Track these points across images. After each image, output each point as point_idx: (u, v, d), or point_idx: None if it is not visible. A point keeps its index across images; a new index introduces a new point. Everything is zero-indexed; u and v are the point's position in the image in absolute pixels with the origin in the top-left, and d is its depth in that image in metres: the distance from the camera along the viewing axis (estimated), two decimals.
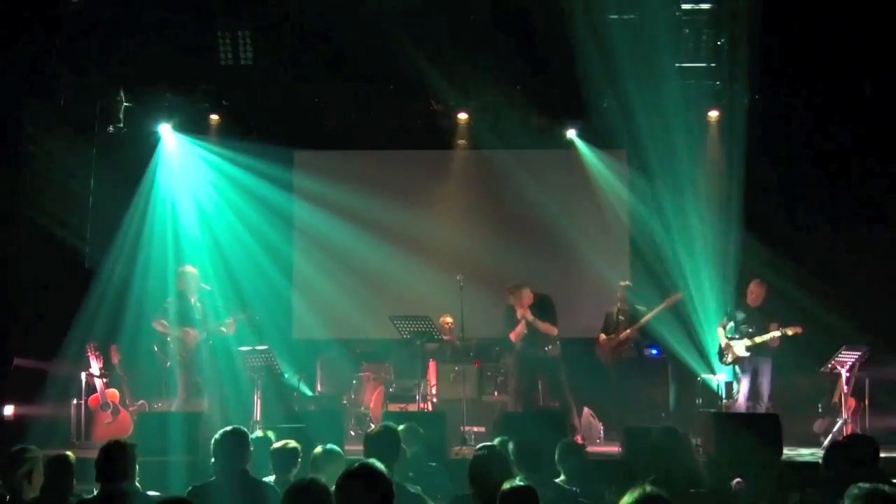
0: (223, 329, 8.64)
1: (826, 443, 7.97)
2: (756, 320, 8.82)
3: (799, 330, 8.55)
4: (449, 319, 9.83)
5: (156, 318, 8.54)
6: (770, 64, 9.07)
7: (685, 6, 8.83)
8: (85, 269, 9.96)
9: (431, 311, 10.08)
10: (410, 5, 8.73)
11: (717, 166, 10.63)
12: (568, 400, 8.58)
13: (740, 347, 8.75)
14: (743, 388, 8.73)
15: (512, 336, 8.74)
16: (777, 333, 8.53)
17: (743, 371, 8.79)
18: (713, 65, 9.08)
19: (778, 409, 8.49)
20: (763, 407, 8.57)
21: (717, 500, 4.69)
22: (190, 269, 8.70)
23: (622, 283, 9.65)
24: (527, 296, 8.68)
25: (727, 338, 8.89)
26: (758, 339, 8.70)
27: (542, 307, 8.71)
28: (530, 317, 8.60)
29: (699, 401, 9.69)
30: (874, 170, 9.40)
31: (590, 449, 7.89)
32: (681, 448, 4.59)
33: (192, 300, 8.64)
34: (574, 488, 4.94)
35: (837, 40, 8.71)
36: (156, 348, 8.61)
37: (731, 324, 8.98)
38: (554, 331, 8.66)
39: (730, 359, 8.86)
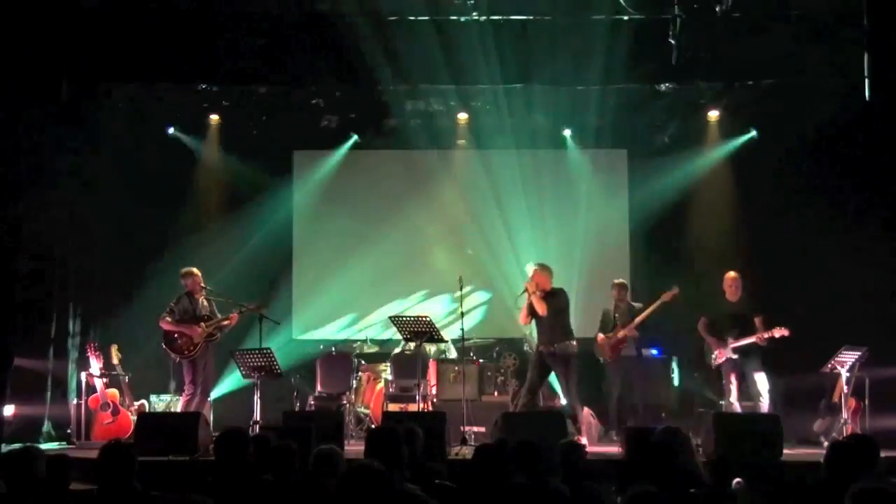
0: (226, 322, 8.69)
1: (826, 443, 7.96)
2: (739, 316, 8.68)
3: (785, 332, 8.35)
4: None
5: (162, 316, 8.58)
6: (771, 62, 9.03)
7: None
8: (84, 269, 9.95)
9: (431, 310, 10.08)
10: (411, 5, 8.72)
11: (716, 166, 10.64)
12: (575, 399, 8.52)
13: (727, 349, 8.67)
14: (734, 390, 8.66)
15: (520, 319, 8.64)
16: (764, 335, 8.43)
17: (732, 371, 8.70)
18: (713, 64, 9.04)
19: (778, 409, 8.48)
20: (762, 406, 8.52)
21: (717, 500, 4.69)
22: (194, 270, 8.78)
23: (617, 282, 9.64)
24: (539, 275, 8.52)
25: (710, 338, 8.80)
26: (739, 343, 8.57)
27: (552, 294, 8.57)
28: (532, 288, 8.42)
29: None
30: (875, 168, 9.38)
31: (590, 449, 7.87)
32: (681, 448, 4.59)
33: (199, 298, 8.74)
34: (574, 489, 4.93)
35: (838, 40, 8.70)
36: (164, 346, 8.63)
37: (712, 323, 8.84)
38: (541, 309, 8.39)
39: (717, 361, 8.77)
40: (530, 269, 8.64)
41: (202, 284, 8.79)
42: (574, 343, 8.56)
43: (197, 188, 10.83)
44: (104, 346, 9.14)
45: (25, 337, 8.92)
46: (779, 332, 8.38)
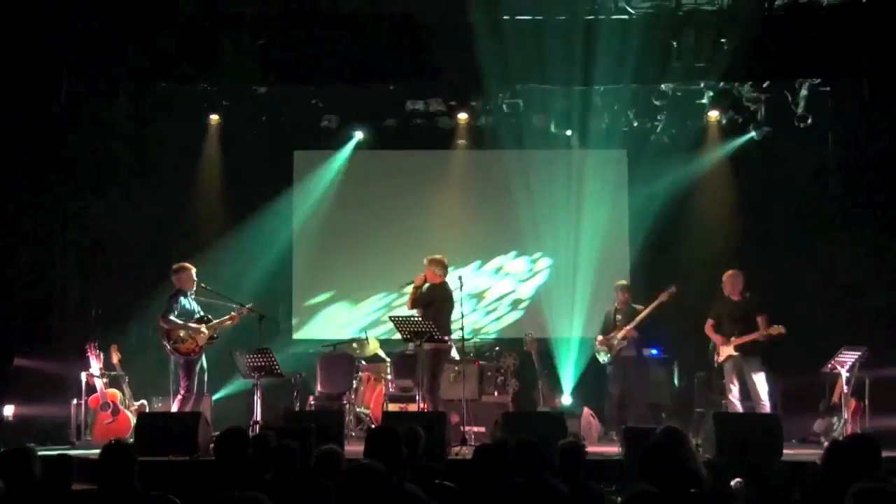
0: (228, 323, 8.63)
1: (826, 443, 7.95)
2: (741, 315, 8.67)
3: (781, 330, 8.38)
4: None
5: (165, 316, 8.49)
6: (771, 63, 9.03)
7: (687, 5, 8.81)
8: (84, 269, 9.95)
9: None
10: (410, 6, 8.73)
11: (716, 166, 10.64)
12: (426, 391, 8.45)
13: (729, 347, 8.67)
14: (734, 389, 8.68)
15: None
16: (763, 333, 8.45)
17: (732, 370, 8.71)
18: (713, 65, 9.04)
19: (778, 409, 8.47)
20: (761, 407, 8.52)
21: (717, 500, 4.69)
22: (188, 266, 8.71)
23: (619, 283, 9.64)
24: (427, 269, 8.60)
25: (715, 337, 8.80)
26: (737, 341, 8.59)
27: (430, 288, 8.60)
28: (419, 283, 8.54)
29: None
30: (875, 168, 9.39)
31: (590, 449, 7.86)
32: (681, 449, 4.58)
33: (191, 297, 8.67)
34: (574, 489, 4.93)
35: (839, 40, 8.70)
36: (166, 343, 8.55)
37: (717, 322, 8.83)
38: (409, 304, 8.57)
39: (722, 358, 8.77)
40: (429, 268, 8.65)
41: (198, 282, 8.69)
42: (446, 339, 8.46)
43: (197, 188, 10.83)
44: (104, 346, 9.12)
45: (25, 337, 8.92)
46: (776, 331, 8.41)
